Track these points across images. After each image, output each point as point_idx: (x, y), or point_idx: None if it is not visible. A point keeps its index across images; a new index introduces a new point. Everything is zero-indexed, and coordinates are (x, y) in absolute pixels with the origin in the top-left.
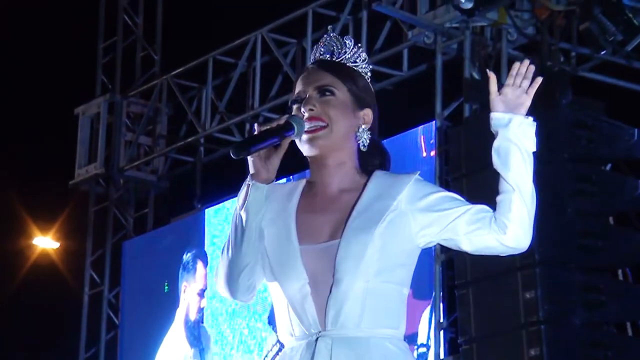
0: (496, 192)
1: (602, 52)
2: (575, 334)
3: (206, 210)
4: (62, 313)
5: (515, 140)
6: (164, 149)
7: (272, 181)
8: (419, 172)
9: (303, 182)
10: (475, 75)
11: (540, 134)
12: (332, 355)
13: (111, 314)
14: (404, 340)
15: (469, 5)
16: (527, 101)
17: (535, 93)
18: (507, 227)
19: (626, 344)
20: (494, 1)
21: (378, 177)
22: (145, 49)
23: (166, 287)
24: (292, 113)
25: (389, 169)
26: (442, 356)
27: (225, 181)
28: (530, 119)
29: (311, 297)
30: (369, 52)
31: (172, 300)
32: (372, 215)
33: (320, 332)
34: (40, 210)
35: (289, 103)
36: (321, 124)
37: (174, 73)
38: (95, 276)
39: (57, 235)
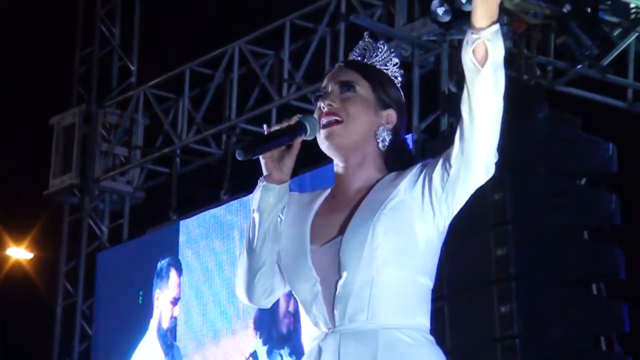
0: (470, 206)
1: (579, 66)
2: (551, 348)
3: (181, 222)
4: (35, 324)
5: None
6: (140, 160)
7: (286, 182)
8: (428, 159)
9: (330, 188)
10: (452, 89)
11: (516, 147)
12: (340, 350)
13: (85, 325)
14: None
15: (447, 18)
16: None
17: (512, 106)
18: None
19: (600, 358)
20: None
21: (391, 174)
22: (122, 59)
23: (140, 299)
24: (316, 108)
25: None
26: None
27: (201, 192)
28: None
29: (321, 295)
30: None
31: (146, 312)
32: (373, 206)
33: (330, 329)
34: (13, 220)
35: (313, 99)
36: (337, 118)
37: (150, 84)
38: (69, 287)
39: (31, 245)
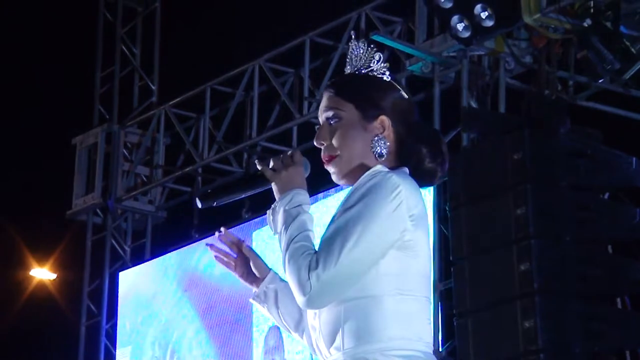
0: (494, 221)
1: (600, 81)
2: None
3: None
4: (60, 344)
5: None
6: (162, 179)
7: (266, 276)
8: (371, 176)
9: None
10: (473, 104)
11: (538, 161)
12: None
13: (108, 344)
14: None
15: (467, 34)
16: None
17: (534, 122)
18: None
19: None
20: (492, 30)
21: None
22: (143, 78)
23: (164, 317)
24: None
25: (438, 156)
26: None
27: (222, 211)
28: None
29: (313, 325)
30: None
31: (169, 330)
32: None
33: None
34: (37, 241)
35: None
36: (332, 154)
37: (171, 103)
38: (92, 307)
39: (54, 266)
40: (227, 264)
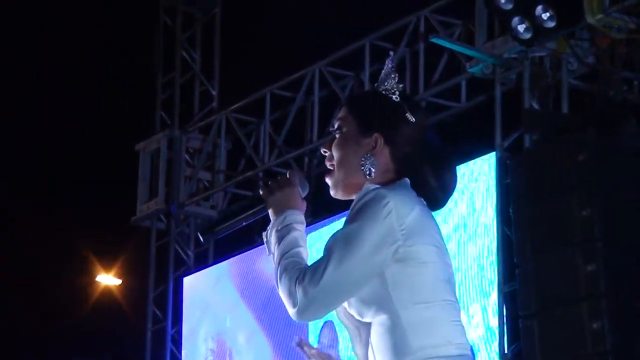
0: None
1: None
2: None
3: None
4: (126, 349)
5: None
6: (223, 184)
7: None
8: (362, 195)
9: None
10: (535, 106)
11: (604, 163)
12: None
13: (174, 350)
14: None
15: (528, 36)
16: None
17: (599, 122)
18: None
19: None
20: (553, 31)
21: None
22: (203, 84)
23: (228, 322)
24: None
25: (440, 176)
26: None
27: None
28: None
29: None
30: (426, 84)
31: (234, 334)
32: None
33: None
34: (102, 247)
35: None
36: (330, 167)
37: (232, 108)
38: (157, 312)
39: (119, 272)
40: None
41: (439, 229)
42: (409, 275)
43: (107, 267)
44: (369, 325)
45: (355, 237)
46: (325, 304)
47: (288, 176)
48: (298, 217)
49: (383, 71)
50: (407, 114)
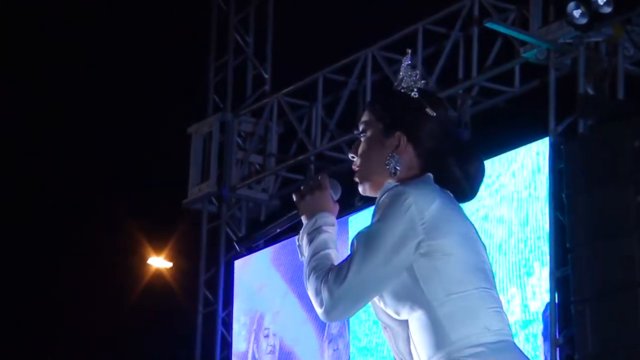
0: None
1: None
2: None
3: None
4: (177, 332)
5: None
6: (275, 168)
7: None
8: (383, 192)
9: None
10: (590, 91)
11: None
12: None
13: (224, 332)
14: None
15: (583, 21)
16: None
17: None
18: None
19: None
20: (610, 17)
21: None
22: (256, 67)
23: (277, 305)
24: None
25: (464, 167)
26: None
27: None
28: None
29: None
30: (480, 69)
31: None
32: None
33: None
34: (154, 230)
35: None
36: (355, 167)
37: (284, 91)
38: (208, 295)
39: (170, 254)
40: None
41: (467, 218)
42: (437, 268)
43: (158, 250)
44: (407, 322)
45: (377, 235)
46: (352, 303)
47: (319, 179)
48: (328, 219)
49: (401, 70)
50: (427, 109)
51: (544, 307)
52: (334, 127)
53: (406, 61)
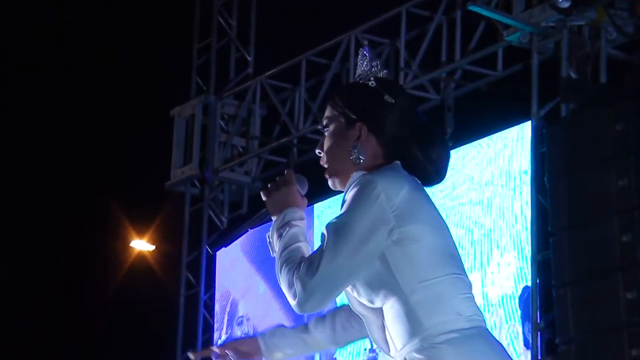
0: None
1: None
2: None
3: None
4: (159, 315)
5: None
6: (258, 150)
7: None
8: (351, 184)
9: None
10: (573, 75)
11: None
12: None
13: (207, 315)
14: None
15: (567, 5)
16: None
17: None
18: None
19: None
20: (592, 1)
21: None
22: (239, 50)
23: (261, 288)
24: None
25: (428, 151)
26: (539, 357)
27: (318, 182)
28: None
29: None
30: (463, 52)
31: (267, 301)
32: None
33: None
34: (136, 213)
35: None
36: (323, 163)
37: (267, 74)
38: (191, 278)
39: (153, 237)
40: None
41: (433, 205)
42: (408, 255)
43: (140, 233)
44: (381, 310)
45: (347, 225)
46: (325, 294)
47: (285, 175)
48: (297, 214)
49: (358, 62)
50: (385, 97)
51: (520, 291)
52: (316, 110)
53: (362, 52)
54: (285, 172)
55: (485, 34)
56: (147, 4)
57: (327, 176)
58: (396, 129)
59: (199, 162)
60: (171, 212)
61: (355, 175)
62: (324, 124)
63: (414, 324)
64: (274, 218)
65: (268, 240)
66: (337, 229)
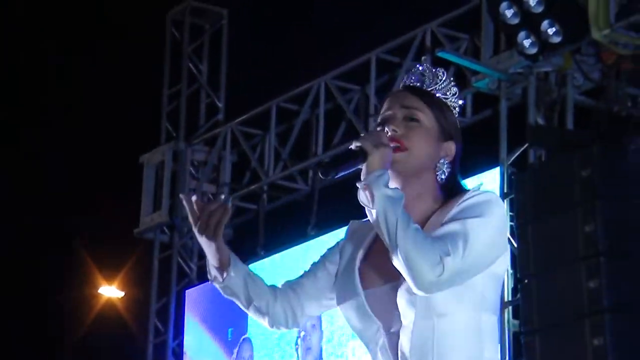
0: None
1: None
2: None
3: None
4: None
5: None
6: (228, 197)
7: (229, 264)
8: (479, 187)
9: None
10: (540, 121)
11: (608, 179)
12: None
13: None
14: None
15: (534, 51)
16: None
17: (603, 138)
18: None
19: None
20: (559, 46)
21: (445, 207)
22: (210, 96)
23: (229, 335)
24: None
25: None
26: None
27: (287, 229)
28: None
29: (386, 342)
30: None
31: (235, 347)
32: None
33: None
34: (105, 259)
35: (376, 125)
36: (400, 146)
37: (237, 120)
38: (159, 325)
39: (122, 284)
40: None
41: None
42: (496, 282)
43: (110, 279)
44: (432, 319)
45: (484, 226)
46: (458, 280)
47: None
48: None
49: (438, 78)
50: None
51: None
52: (287, 156)
53: (438, 70)
54: (382, 134)
55: (454, 79)
56: (116, 49)
57: (400, 159)
58: (458, 162)
59: (169, 209)
60: (141, 259)
61: (480, 187)
62: (414, 114)
63: (478, 349)
64: (373, 168)
65: (363, 191)
66: (477, 229)
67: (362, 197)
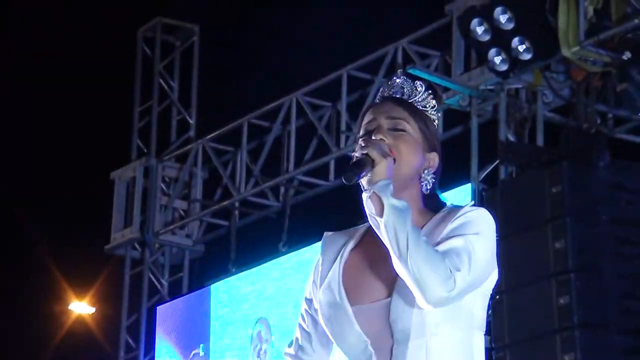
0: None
1: None
2: None
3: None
4: None
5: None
6: (199, 213)
7: None
8: (471, 204)
9: (364, 227)
10: (511, 138)
11: (578, 196)
12: None
13: None
14: None
15: (504, 68)
16: None
17: (573, 155)
18: None
19: None
20: (529, 63)
21: (433, 220)
22: (181, 112)
23: (201, 351)
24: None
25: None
26: None
27: (259, 245)
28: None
29: (375, 359)
30: None
31: None
32: None
33: None
34: (76, 275)
35: (356, 138)
36: (393, 157)
37: (209, 137)
38: (130, 341)
39: (93, 300)
40: None
41: None
42: (484, 301)
43: (80, 295)
44: (425, 337)
45: (487, 242)
46: (465, 294)
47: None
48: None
49: (418, 90)
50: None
51: None
52: (258, 173)
53: (418, 83)
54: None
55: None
56: (87, 66)
57: (385, 166)
58: (439, 176)
59: (140, 225)
60: (111, 275)
61: (470, 204)
62: (399, 124)
63: None
64: (378, 177)
65: (369, 199)
66: (478, 245)
67: (369, 205)
